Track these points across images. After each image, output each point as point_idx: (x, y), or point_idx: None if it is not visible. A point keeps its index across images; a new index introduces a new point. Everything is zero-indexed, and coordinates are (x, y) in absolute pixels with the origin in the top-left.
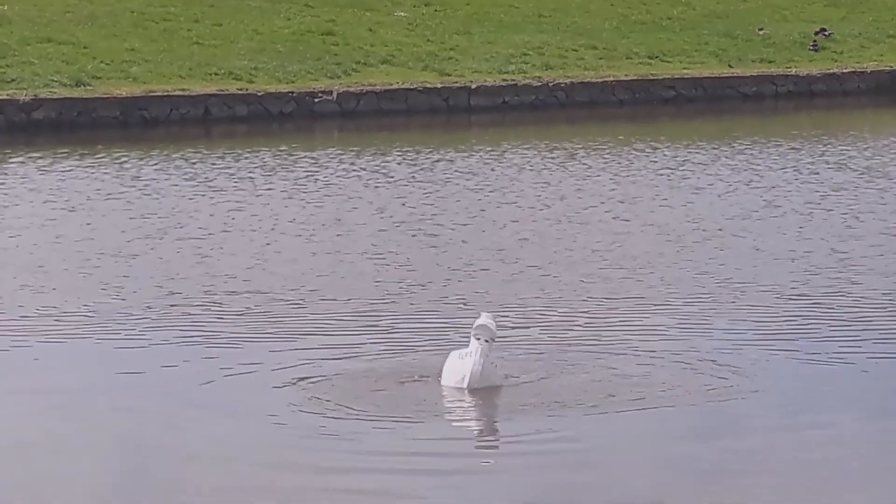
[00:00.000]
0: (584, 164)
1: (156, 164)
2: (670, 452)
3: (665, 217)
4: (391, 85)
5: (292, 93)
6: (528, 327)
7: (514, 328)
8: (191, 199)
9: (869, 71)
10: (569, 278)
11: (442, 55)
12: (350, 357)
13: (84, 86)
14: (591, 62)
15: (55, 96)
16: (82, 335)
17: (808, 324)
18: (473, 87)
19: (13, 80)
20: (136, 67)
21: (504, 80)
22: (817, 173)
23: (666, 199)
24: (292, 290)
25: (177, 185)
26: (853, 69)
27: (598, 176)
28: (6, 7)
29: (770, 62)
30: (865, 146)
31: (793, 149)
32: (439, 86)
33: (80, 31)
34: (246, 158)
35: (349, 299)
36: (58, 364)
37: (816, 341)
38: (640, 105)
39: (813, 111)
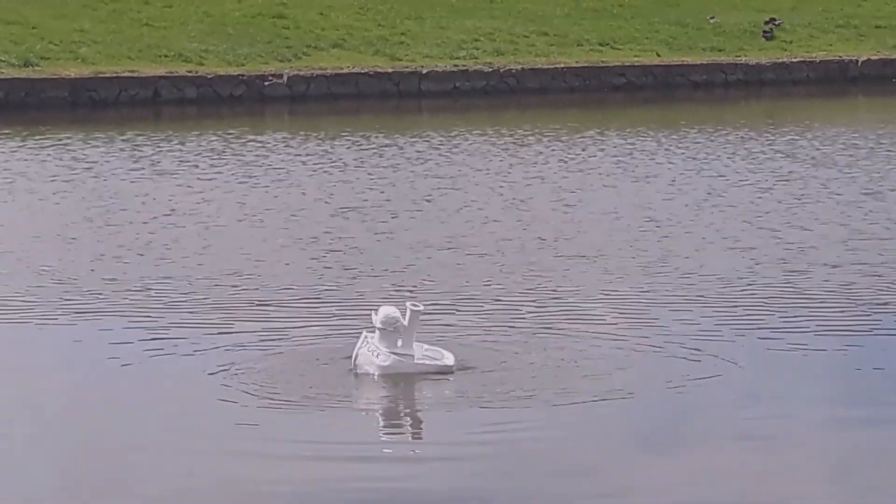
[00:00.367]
0: (534, 150)
1: (100, 146)
2: (632, 439)
3: (614, 204)
4: (342, 69)
5: (242, 76)
6: (476, 315)
7: (461, 315)
8: (134, 181)
9: (818, 60)
10: (517, 266)
11: (393, 40)
12: (286, 343)
13: (32, 66)
14: (542, 48)
15: (3, 76)
16: (19, 320)
17: (755, 312)
18: (424, 72)
19: None
20: (84, 48)
21: (455, 65)
22: (766, 162)
23: (615, 187)
24: (234, 274)
25: (121, 168)
26: (802, 59)
27: (548, 163)
28: None
29: (720, 51)
30: (813, 136)
31: (742, 137)
32: (390, 70)
33: (29, 11)
34: (193, 141)
35: (292, 286)
36: None
37: (764, 328)
38: (590, 92)
39: (762, 100)
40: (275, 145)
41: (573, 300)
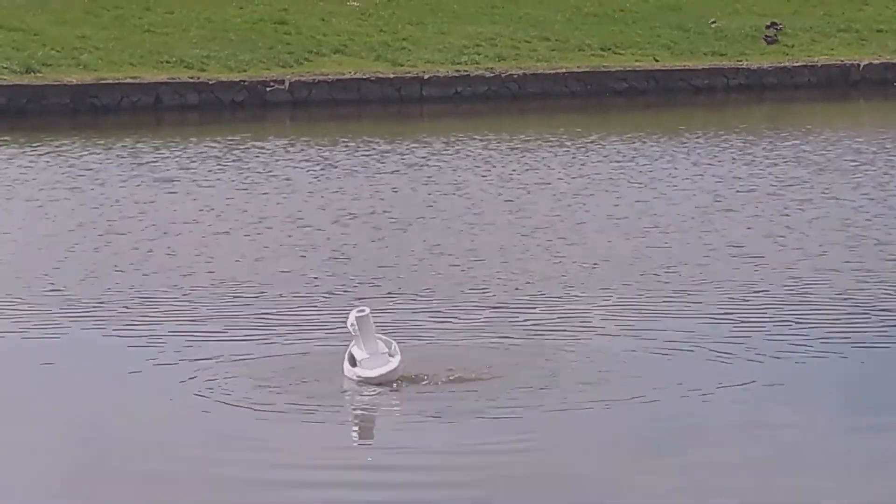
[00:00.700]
0: (535, 155)
1: (101, 152)
2: (634, 445)
3: (616, 209)
4: (343, 75)
5: (244, 81)
6: (477, 320)
7: (462, 320)
8: (135, 188)
9: (819, 65)
10: (519, 270)
11: (395, 45)
12: (285, 349)
13: (34, 73)
14: (544, 54)
15: (5, 83)
16: (8, 330)
17: (757, 317)
18: (426, 77)
19: None
20: (86, 55)
21: (457, 70)
22: (767, 166)
23: (617, 191)
24: (232, 282)
25: (121, 175)
26: (804, 63)
27: (550, 167)
28: None
29: (722, 55)
30: (815, 140)
31: (743, 142)
32: (392, 76)
33: (31, 18)
34: (194, 147)
35: (293, 293)
36: None
37: (769, 334)
38: (592, 97)
39: (764, 104)
40: (277, 151)
41: (573, 306)
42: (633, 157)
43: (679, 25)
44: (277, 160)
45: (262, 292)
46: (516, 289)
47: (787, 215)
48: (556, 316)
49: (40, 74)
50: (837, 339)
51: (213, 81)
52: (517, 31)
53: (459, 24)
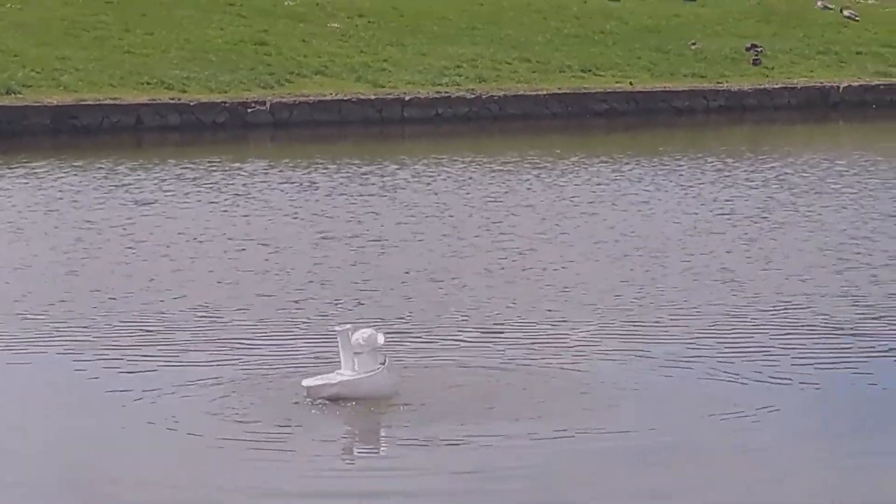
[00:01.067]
0: (517, 177)
1: (77, 174)
2: (626, 470)
3: (596, 231)
4: (324, 96)
5: (225, 103)
6: (459, 344)
7: (443, 344)
8: (110, 210)
9: (799, 87)
10: (499, 294)
11: (375, 66)
12: (261, 374)
13: (14, 94)
14: (525, 75)
15: None
16: None
17: (743, 340)
18: (407, 98)
19: None
20: (67, 76)
21: (437, 92)
22: (749, 188)
23: (597, 213)
24: (209, 306)
25: (100, 196)
26: (783, 84)
27: (531, 189)
28: None
29: (702, 77)
30: (796, 162)
31: (724, 163)
32: (372, 97)
33: (11, 39)
34: (173, 169)
35: (270, 317)
36: None
37: (754, 356)
38: (572, 118)
39: (744, 126)
40: (256, 172)
41: (555, 330)
42: (615, 179)
43: (659, 47)
44: (257, 182)
45: (242, 316)
46: (497, 312)
47: (771, 238)
48: (538, 340)
49: (20, 95)
50: (822, 362)
51: (194, 102)
52: (498, 52)
53: (440, 45)
